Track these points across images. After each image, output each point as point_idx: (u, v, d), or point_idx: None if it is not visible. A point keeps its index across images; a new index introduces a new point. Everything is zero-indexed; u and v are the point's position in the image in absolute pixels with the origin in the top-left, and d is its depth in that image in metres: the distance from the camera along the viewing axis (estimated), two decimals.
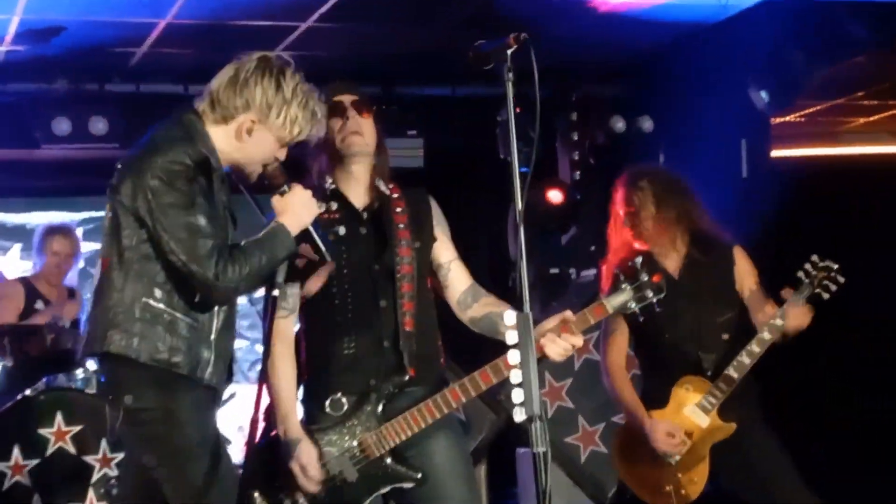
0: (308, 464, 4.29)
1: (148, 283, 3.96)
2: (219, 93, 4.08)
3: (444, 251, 4.59)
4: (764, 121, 9.13)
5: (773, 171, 9.14)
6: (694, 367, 5.42)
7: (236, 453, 8.14)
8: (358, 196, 4.50)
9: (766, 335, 5.28)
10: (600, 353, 5.65)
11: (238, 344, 9.31)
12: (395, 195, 4.53)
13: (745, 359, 5.31)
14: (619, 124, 9.28)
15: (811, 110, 10.03)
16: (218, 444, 4.09)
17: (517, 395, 3.40)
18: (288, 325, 4.43)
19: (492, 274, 8.65)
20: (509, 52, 3.56)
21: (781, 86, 8.22)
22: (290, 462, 4.30)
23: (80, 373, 6.95)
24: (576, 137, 9.46)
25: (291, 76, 4.09)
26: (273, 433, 4.38)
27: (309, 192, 4.15)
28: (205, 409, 4.11)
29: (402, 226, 4.47)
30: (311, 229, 4.14)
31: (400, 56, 8.53)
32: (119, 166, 4.06)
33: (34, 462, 6.51)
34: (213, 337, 4.06)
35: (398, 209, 4.50)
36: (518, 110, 3.58)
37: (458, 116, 9.35)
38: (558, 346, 4.22)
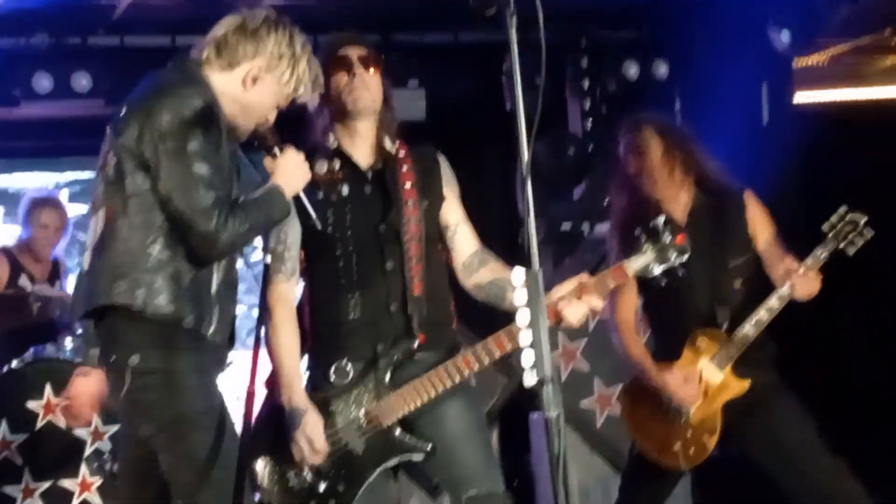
0: (314, 435, 4.31)
1: (155, 232, 3.96)
2: (227, 37, 4.12)
3: (452, 212, 4.61)
4: (785, 63, 9.11)
5: (796, 117, 9.12)
6: (707, 319, 5.43)
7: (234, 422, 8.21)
8: (363, 155, 4.51)
9: (786, 290, 5.29)
10: (608, 308, 5.66)
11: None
12: (402, 153, 4.55)
13: (763, 315, 5.33)
14: (632, 70, 9.24)
15: (836, 50, 9.98)
16: (223, 412, 4.10)
17: (528, 357, 3.42)
18: (289, 290, 4.45)
19: (500, 231, 8.69)
20: None
21: (803, 24, 8.20)
22: (294, 433, 4.32)
23: (68, 342, 6.97)
24: (586, 85, 9.43)
25: (301, 34, 4.17)
26: (276, 402, 4.41)
27: (301, 156, 4.18)
28: (210, 371, 4.14)
29: (409, 185, 4.50)
30: (302, 194, 4.18)
31: (398, 1, 8.50)
32: (123, 108, 4.06)
33: (22, 437, 6.54)
34: (213, 290, 4.08)
35: (405, 168, 4.52)
36: (523, 57, 3.58)
37: (461, 65, 9.33)
38: (577, 310, 4.25)
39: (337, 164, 4.47)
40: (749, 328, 5.31)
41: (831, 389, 8.01)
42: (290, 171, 4.14)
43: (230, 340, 4.24)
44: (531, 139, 3.50)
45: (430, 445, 4.39)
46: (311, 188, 4.34)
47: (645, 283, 5.39)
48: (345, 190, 4.46)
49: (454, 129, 8.90)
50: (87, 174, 9.84)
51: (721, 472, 5.66)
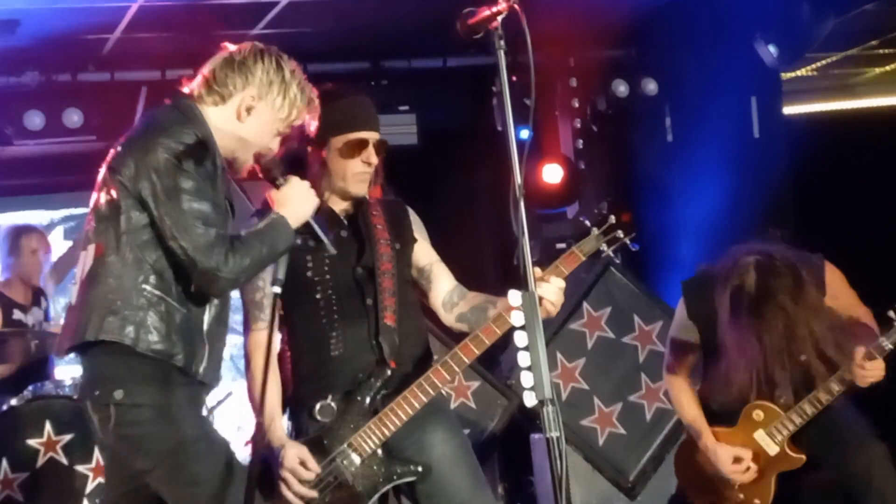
0: (294, 467, 4.31)
1: (147, 269, 3.96)
2: (215, 72, 4.12)
3: (424, 254, 4.71)
4: (774, 76, 9.13)
5: (787, 129, 9.14)
6: (768, 388, 5.38)
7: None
8: (336, 201, 4.59)
9: (835, 386, 5.27)
10: (664, 365, 5.68)
11: (233, 340, 9.37)
12: (372, 200, 4.65)
13: (822, 396, 5.30)
14: (622, 88, 9.26)
15: (823, 63, 10.02)
16: (219, 438, 4.10)
17: (527, 379, 3.42)
18: (264, 337, 4.33)
19: (493, 253, 8.69)
20: (499, 18, 3.57)
21: (790, 38, 8.22)
22: (280, 470, 4.33)
23: (68, 379, 6.97)
24: (576, 104, 9.46)
25: (289, 61, 4.17)
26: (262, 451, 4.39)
27: (307, 184, 4.19)
28: (199, 405, 4.14)
29: (380, 227, 4.60)
30: (312, 221, 4.20)
31: (387, 29, 8.52)
32: (119, 146, 4.05)
33: (24, 475, 6.52)
34: (205, 329, 4.07)
35: (375, 212, 4.62)
36: (513, 79, 3.59)
37: (451, 89, 9.36)
38: (548, 290, 4.25)
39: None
40: (807, 406, 5.31)
41: None
42: (297, 199, 4.15)
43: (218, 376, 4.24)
44: (523, 160, 3.50)
45: (420, 466, 4.42)
46: None
47: (706, 344, 5.38)
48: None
49: (445, 153, 8.92)
50: (80, 210, 9.83)
51: None
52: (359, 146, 4.50)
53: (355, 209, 4.60)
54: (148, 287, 3.95)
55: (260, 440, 4.10)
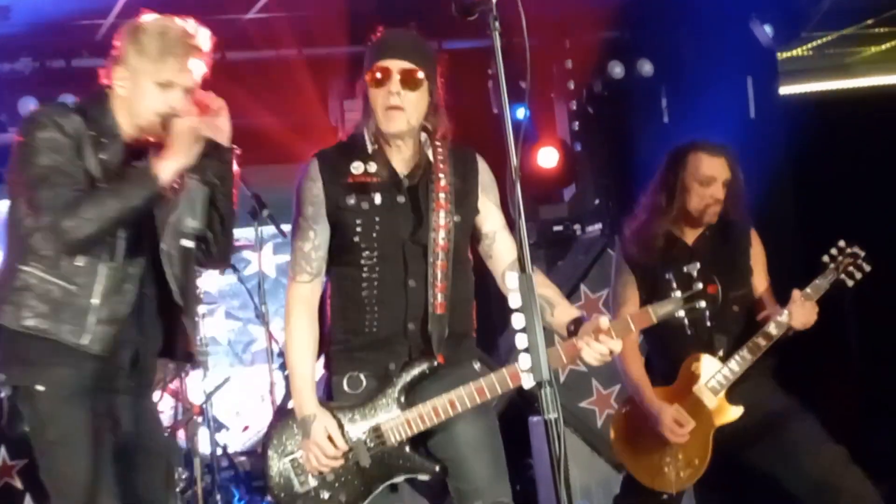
0: (323, 443, 4.28)
1: (25, 249, 4.09)
2: (117, 48, 4.27)
3: (489, 220, 4.49)
4: (770, 56, 9.11)
5: (783, 110, 9.12)
6: (705, 344, 5.48)
7: (232, 439, 8.19)
8: (401, 160, 4.39)
9: (784, 318, 5.34)
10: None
11: (230, 325, 9.37)
12: (441, 159, 4.40)
13: (746, 354, 5.40)
14: (617, 69, 9.23)
15: (819, 42, 9.99)
16: (91, 430, 4.13)
17: (525, 361, 3.40)
18: (310, 292, 4.37)
19: None
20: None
21: (786, 18, 8.20)
22: (305, 440, 4.30)
23: None
24: (572, 86, 9.43)
25: (151, 21, 4.24)
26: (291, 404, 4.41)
27: (194, 122, 4.12)
28: (86, 384, 4.13)
29: (443, 196, 4.34)
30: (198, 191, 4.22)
31: (383, 10, 8.49)
32: None
33: (23, 462, 6.51)
34: (95, 301, 4.10)
35: (442, 176, 4.36)
36: (508, 61, 3.56)
37: (447, 72, 9.32)
38: (594, 351, 4.13)
39: (373, 167, 4.34)
40: (746, 353, 5.35)
41: (830, 382, 8.01)
42: (175, 145, 4.11)
43: (169, 353, 4.37)
44: (519, 142, 3.48)
45: (436, 467, 4.35)
46: (343, 190, 4.31)
47: (645, 301, 5.42)
48: (377, 198, 4.33)
49: (456, 134, 8.90)
50: None
51: (723, 474, 5.66)
52: (382, 75, 4.28)
53: (418, 172, 4.38)
54: (26, 268, 4.08)
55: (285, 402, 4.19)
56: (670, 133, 9.12)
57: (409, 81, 4.28)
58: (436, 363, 4.33)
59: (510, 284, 3.46)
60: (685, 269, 4.84)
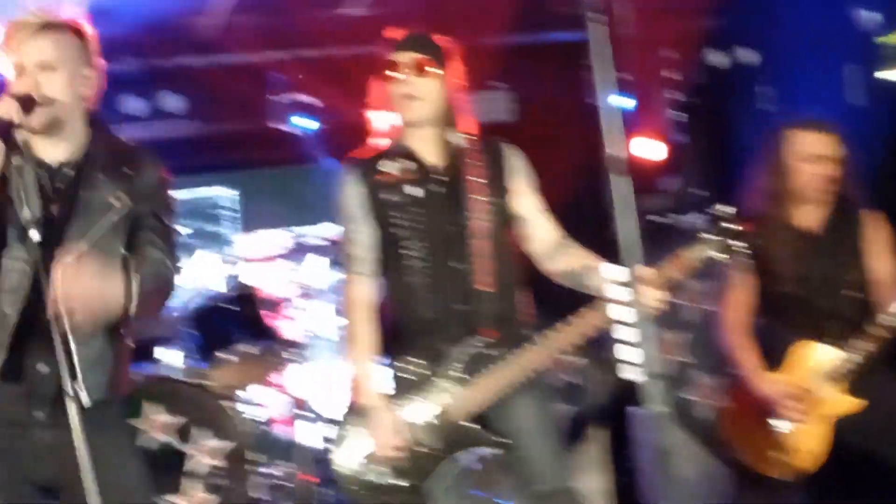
0: (385, 432, 4.39)
1: None
2: None
3: (525, 203, 4.63)
4: (870, 42, 8.98)
5: (883, 95, 8.99)
6: (815, 330, 5.38)
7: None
8: (431, 153, 4.57)
9: (886, 320, 5.25)
10: (721, 305, 5.62)
11: (339, 321, 9.44)
12: (472, 148, 4.57)
13: (863, 342, 5.26)
14: (718, 59, 9.15)
15: None
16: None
17: (628, 353, 3.41)
18: (366, 291, 4.55)
19: (592, 227, 8.65)
20: None
21: (888, 3, 8.10)
22: (370, 430, 4.42)
23: (168, 361, 7.03)
24: (672, 76, 9.36)
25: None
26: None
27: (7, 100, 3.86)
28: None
29: (476, 182, 4.52)
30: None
31: (482, 5, 8.50)
32: None
33: None
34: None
35: (475, 163, 4.54)
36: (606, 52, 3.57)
37: (546, 64, 9.30)
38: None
39: (407, 164, 4.53)
40: (862, 342, 5.24)
41: None
42: None
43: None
44: (619, 134, 3.49)
45: (502, 439, 4.45)
46: (380, 188, 4.46)
47: (761, 283, 5.35)
48: (414, 191, 4.51)
49: (541, 128, 8.89)
50: (184, 194, 9.94)
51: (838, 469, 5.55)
52: (394, 67, 4.49)
53: (451, 160, 4.56)
54: None
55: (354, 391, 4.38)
56: (771, 120, 9.04)
57: (419, 70, 4.47)
58: (489, 340, 4.45)
59: (608, 276, 3.47)
60: (716, 210, 4.68)
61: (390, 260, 4.55)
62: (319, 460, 7.32)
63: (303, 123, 8.79)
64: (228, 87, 8.83)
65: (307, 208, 8.70)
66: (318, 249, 7.95)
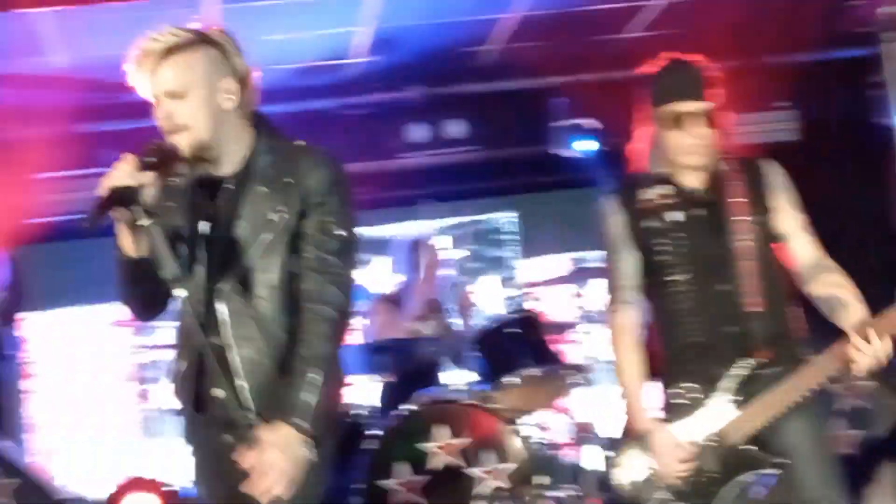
0: (667, 455, 4.36)
1: None
2: None
3: (786, 220, 4.49)
4: None
5: None
6: None
7: None
8: (691, 177, 4.48)
9: None
10: None
11: None
12: (730, 167, 4.49)
13: None
14: None
15: None
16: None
17: None
18: (630, 319, 4.50)
19: (881, 248, 8.41)
20: (886, 8, 3.48)
21: None
22: (650, 454, 4.40)
23: (454, 384, 7.13)
24: None
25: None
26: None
27: (127, 161, 3.61)
28: None
29: (739, 201, 4.43)
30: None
31: (764, 24, 8.40)
32: None
33: (422, 478, 6.71)
34: None
35: (735, 182, 4.45)
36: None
37: (830, 82, 9.12)
38: (862, 353, 4.10)
39: (668, 188, 4.47)
40: None
41: None
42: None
43: None
44: None
45: (781, 459, 4.33)
46: (643, 216, 4.44)
47: None
48: (677, 216, 4.44)
49: (827, 149, 8.72)
50: (466, 219, 10.09)
51: None
52: (681, 120, 4.37)
53: (711, 183, 4.48)
54: None
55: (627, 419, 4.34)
56: None
57: (708, 122, 4.37)
58: (762, 361, 4.35)
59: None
60: None
61: (654, 286, 4.50)
62: (604, 484, 7.31)
63: (583, 147, 8.83)
64: (509, 113, 8.95)
65: (588, 232, 8.71)
66: (599, 273, 7.95)
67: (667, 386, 4.49)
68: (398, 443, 6.70)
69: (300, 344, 3.64)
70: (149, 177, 3.51)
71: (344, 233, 3.73)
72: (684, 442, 4.37)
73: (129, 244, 3.57)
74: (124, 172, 3.49)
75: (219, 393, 3.67)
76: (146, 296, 3.76)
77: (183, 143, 3.65)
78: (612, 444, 4.66)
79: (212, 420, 3.76)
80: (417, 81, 8.82)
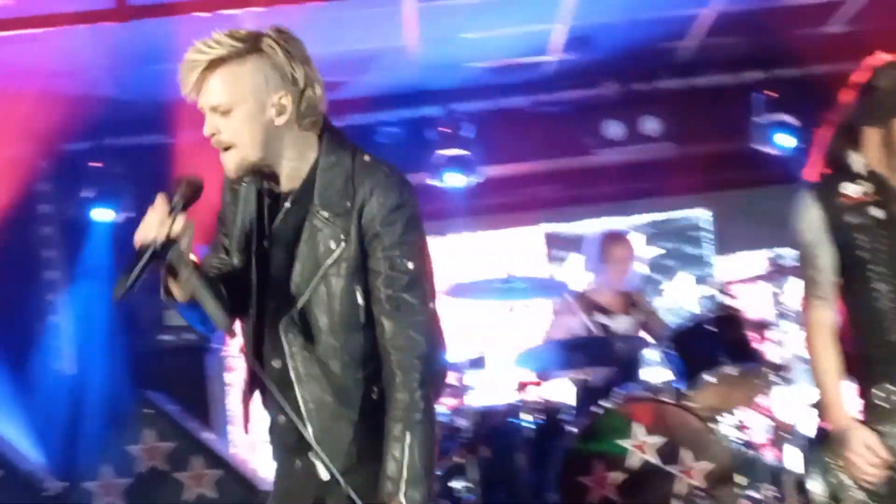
0: (864, 455, 4.27)
1: None
2: None
3: None
4: None
5: None
6: None
7: None
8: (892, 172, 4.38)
9: None
10: None
11: None
12: None
13: None
14: None
15: None
16: None
17: None
18: (827, 315, 4.41)
19: None
20: None
21: None
22: (845, 452, 4.30)
23: (650, 382, 7.11)
24: None
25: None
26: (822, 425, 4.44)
27: (156, 209, 3.37)
28: None
29: None
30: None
31: None
32: None
33: (617, 475, 6.71)
34: None
35: None
36: None
37: None
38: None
39: (868, 187, 4.36)
40: None
41: None
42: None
43: None
44: None
45: None
46: (842, 212, 4.34)
47: None
48: (878, 213, 4.34)
49: None
50: (661, 216, 10.04)
51: None
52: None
53: None
54: None
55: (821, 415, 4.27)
56: None
57: None
58: None
59: None
60: None
61: (853, 284, 4.40)
62: (802, 486, 7.22)
63: (783, 142, 8.71)
64: (705, 109, 8.88)
65: (785, 229, 8.59)
66: (797, 272, 7.83)
67: (866, 387, 4.39)
68: (594, 440, 6.71)
69: (390, 403, 3.41)
70: (180, 224, 3.30)
71: (412, 265, 3.44)
72: (884, 444, 4.31)
73: (171, 291, 3.40)
74: (153, 224, 3.29)
75: (281, 420, 3.55)
76: (208, 328, 3.53)
77: (230, 162, 3.44)
78: (809, 444, 4.59)
79: (281, 443, 3.64)
80: (613, 78, 8.82)
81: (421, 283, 3.46)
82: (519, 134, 9.13)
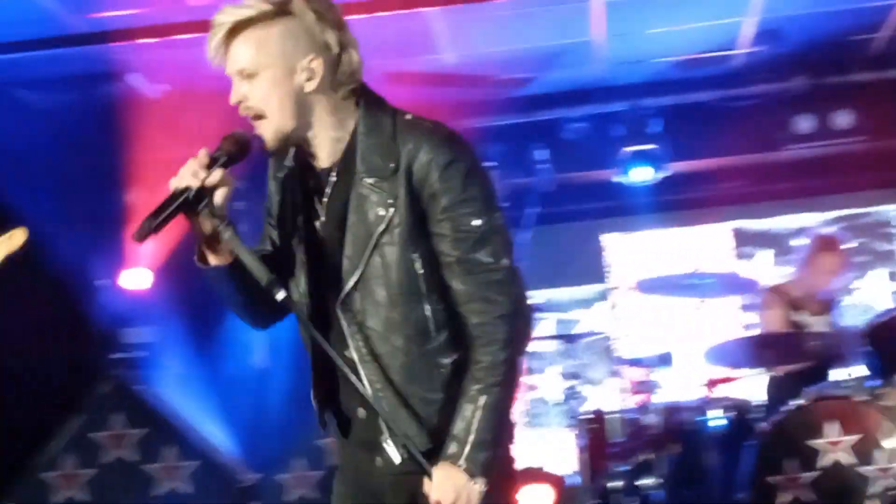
0: None
1: None
2: None
3: None
4: None
5: None
6: None
7: None
8: None
9: None
10: None
11: None
12: None
13: None
14: None
15: None
16: None
17: None
18: None
19: None
20: None
21: None
22: None
23: (844, 380, 6.99)
24: None
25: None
26: None
27: (196, 158, 3.21)
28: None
29: None
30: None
31: None
32: None
33: (810, 474, 6.61)
34: None
35: None
36: None
37: None
38: None
39: None
40: None
41: None
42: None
43: None
44: None
45: None
46: None
47: None
48: None
49: None
50: (851, 211, 9.85)
51: None
52: None
53: None
54: None
55: None
56: None
57: None
58: None
59: None
60: None
61: None
62: None
63: None
64: None
65: None
66: None
67: None
68: (787, 438, 6.63)
69: (470, 363, 3.22)
70: (217, 176, 3.14)
71: (478, 221, 3.19)
72: None
73: (205, 253, 3.24)
74: (189, 171, 3.14)
75: (361, 414, 3.34)
76: (247, 305, 3.39)
77: (266, 132, 3.22)
78: None
79: (360, 441, 3.39)
80: (803, 71, 8.68)
81: (491, 239, 3.21)
82: (707, 129, 9.04)
